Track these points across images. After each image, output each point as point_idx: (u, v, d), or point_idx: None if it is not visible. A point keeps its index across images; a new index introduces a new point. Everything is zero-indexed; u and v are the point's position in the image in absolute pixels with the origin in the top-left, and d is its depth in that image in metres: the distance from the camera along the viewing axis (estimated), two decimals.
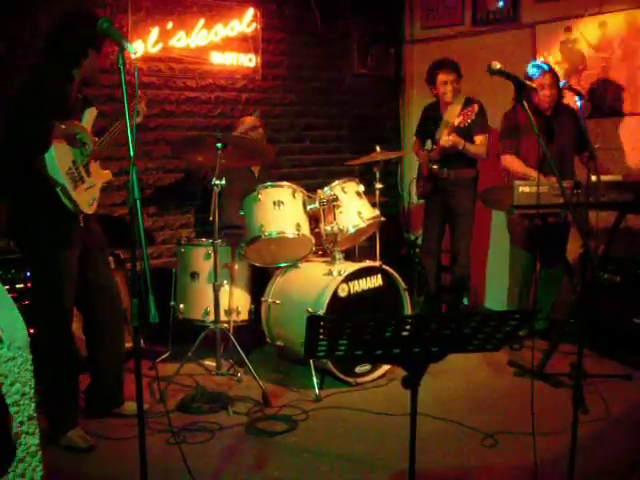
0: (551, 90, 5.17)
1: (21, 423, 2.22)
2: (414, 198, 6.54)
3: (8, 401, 2.21)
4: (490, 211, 6.32)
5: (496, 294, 6.49)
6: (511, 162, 5.34)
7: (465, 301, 6.45)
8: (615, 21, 5.69)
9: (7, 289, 2.52)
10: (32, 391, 2.32)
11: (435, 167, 5.69)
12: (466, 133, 5.58)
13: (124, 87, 2.67)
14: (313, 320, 2.14)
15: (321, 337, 2.18)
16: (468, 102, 5.60)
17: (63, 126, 3.57)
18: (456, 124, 5.31)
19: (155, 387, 4.50)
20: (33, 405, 2.31)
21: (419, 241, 6.60)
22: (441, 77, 5.69)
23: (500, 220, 6.15)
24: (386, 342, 2.20)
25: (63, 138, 3.61)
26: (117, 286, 4.17)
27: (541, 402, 3.70)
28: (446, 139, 5.44)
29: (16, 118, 3.52)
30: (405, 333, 2.17)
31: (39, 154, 3.52)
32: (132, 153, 2.68)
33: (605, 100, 5.81)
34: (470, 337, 2.26)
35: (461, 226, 5.83)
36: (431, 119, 5.92)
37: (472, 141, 5.62)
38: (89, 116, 3.89)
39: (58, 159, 3.56)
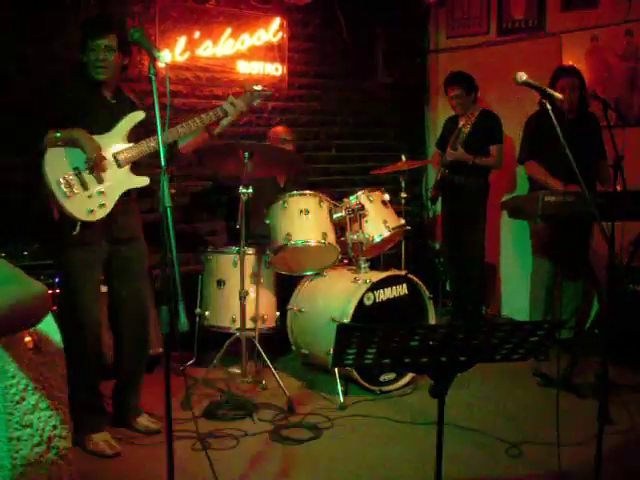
0: (573, 93, 5.15)
1: (54, 427, 2.24)
2: (438, 207, 6.57)
3: (41, 405, 2.24)
4: (506, 218, 6.29)
5: (513, 303, 6.50)
6: (534, 169, 5.30)
7: (482, 309, 6.43)
8: None
9: None
10: (64, 395, 2.35)
11: (446, 172, 5.95)
12: (481, 143, 5.71)
13: (155, 96, 2.70)
14: (343, 328, 2.16)
15: (350, 345, 2.20)
16: (483, 113, 5.77)
17: (58, 134, 3.54)
18: (462, 127, 5.64)
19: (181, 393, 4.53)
20: (66, 409, 2.34)
21: None
22: (449, 92, 5.98)
23: (519, 228, 6.13)
24: (414, 351, 2.21)
25: (62, 144, 3.57)
26: (144, 294, 4.11)
27: (566, 412, 3.70)
28: (450, 152, 5.81)
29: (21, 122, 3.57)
30: (433, 342, 2.18)
31: (36, 158, 3.53)
32: (163, 162, 2.71)
33: (631, 109, 5.79)
34: (498, 347, 2.26)
35: (469, 233, 5.93)
36: (449, 131, 6.03)
37: (487, 151, 5.72)
38: (129, 121, 3.78)
39: (49, 166, 3.54)
